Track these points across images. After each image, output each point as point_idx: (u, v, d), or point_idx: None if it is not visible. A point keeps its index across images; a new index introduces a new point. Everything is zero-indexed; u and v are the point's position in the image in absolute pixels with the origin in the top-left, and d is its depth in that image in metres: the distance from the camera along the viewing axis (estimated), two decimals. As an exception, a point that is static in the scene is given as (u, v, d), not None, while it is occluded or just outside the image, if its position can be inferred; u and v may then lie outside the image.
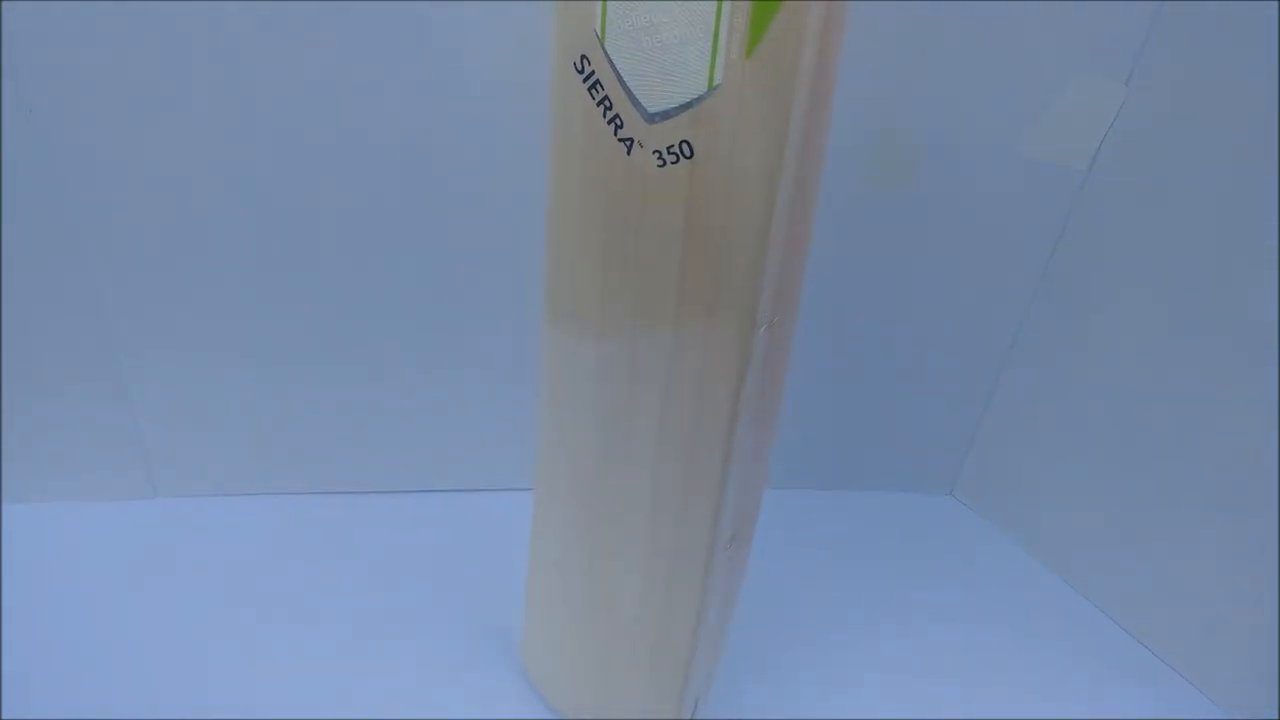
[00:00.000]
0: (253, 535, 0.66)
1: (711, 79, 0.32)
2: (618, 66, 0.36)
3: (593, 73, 0.38)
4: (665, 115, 0.35)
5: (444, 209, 0.62)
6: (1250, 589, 0.55)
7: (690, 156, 0.34)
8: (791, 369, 0.76)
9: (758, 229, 0.33)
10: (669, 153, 0.35)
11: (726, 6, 0.31)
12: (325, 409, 0.67)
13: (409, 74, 0.56)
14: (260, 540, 0.65)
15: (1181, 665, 0.60)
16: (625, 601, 0.47)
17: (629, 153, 0.37)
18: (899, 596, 0.67)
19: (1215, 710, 0.57)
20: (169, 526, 0.66)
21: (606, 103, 0.37)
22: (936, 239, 0.68)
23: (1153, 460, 0.62)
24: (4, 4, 0.49)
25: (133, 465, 0.67)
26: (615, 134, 0.37)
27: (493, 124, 0.59)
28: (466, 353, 0.68)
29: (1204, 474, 0.58)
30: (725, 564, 0.44)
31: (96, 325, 0.60)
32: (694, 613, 0.44)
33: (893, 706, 0.55)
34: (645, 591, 0.46)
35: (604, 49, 0.36)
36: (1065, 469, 0.70)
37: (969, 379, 0.76)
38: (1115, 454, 0.65)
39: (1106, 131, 0.62)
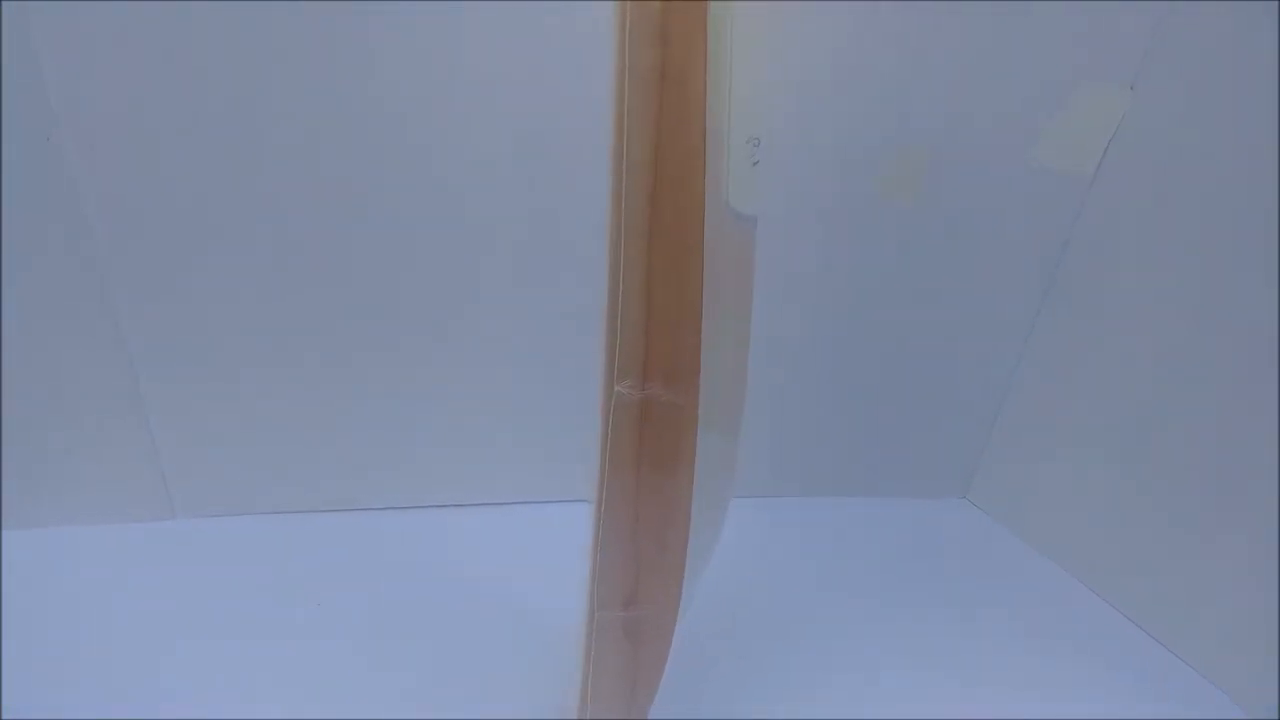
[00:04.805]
0: (272, 554, 0.64)
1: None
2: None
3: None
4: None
5: (467, 219, 0.60)
6: (1267, 587, 0.54)
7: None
8: (797, 376, 0.73)
9: (610, 274, 0.29)
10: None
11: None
12: (344, 427, 0.67)
13: (430, 85, 0.56)
14: (280, 559, 0.64)
15: (1203, 665, 0.60)
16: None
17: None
18: (914, 600, 0.65)
19: (1237, 709, 0.56)
20: (190, 547, 0.65)
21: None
22: (947, 244, 0.68)
23: (1167, 461, 0.62)
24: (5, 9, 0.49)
25: (152, 486, 0.66)
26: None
27: (513, 132, 0.57)
28: (490, 367, 0.67)
29: (1219, 474, 0.58)
30: (615, 625, 0.40)
31: (114, 347, 0.60)
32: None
33: (909, 710, 0.54)
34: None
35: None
36: (1079, 471, 0.70)
37: (981, 383, 0.76)
38: (1129, 455, 0.65)
39: (1112, 136, 0.63)
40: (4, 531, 0.64)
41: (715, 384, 0.34)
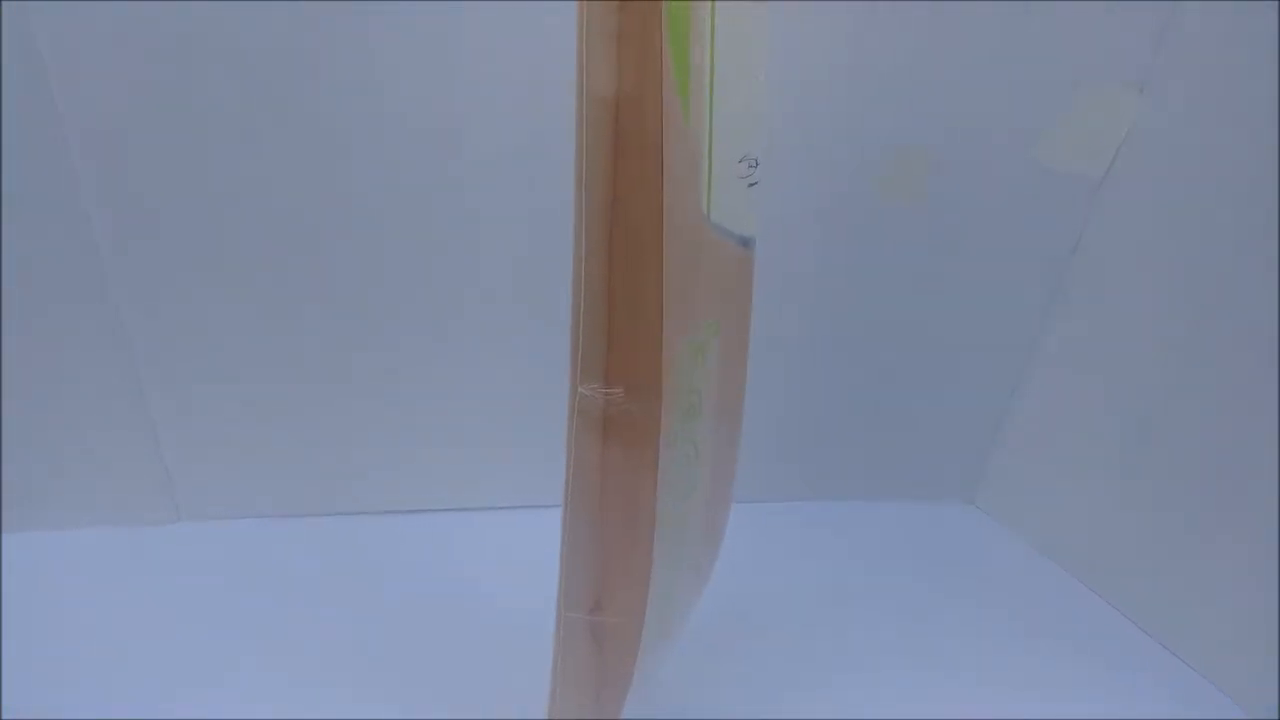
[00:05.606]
0: (276, 558, 0.64)
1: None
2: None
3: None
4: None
5: (467, 219, 0.60)
6: (1267, 587, 0.54)
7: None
8: (799, 377, 0.73)
9: (574, 278, 0.29)
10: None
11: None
12: (349, 430, 0.67)
13: (430, 85, 0.55)
14: (284, 562, 0.64)
15: (1203, 665, 0.59)
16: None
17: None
18: (921, 607, 0.65)
19: (1237, 710, 0.56)
20: (194, 550, 0.65)
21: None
22: (954, 246, 0.67)
23: (1176, 464, 0.61)
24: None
25: (156, 489, 0.65)
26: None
27: (513, 132, 0.57)
28: (494, 370, 0.67)
29: (1227, 477, 0.57)
30: (583, 628, 0.40)
31: (118, 349, 0.59)
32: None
33: (910, 710, 0.54)
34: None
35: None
36: (1088, 475, 0.69)
37: (989, 386, 0.75)
38: (1138, 459, 0.64)
39: (1123, 138, 0.62)
40: (6, 534, 0.63)
41: (702, 407, 0.33)
